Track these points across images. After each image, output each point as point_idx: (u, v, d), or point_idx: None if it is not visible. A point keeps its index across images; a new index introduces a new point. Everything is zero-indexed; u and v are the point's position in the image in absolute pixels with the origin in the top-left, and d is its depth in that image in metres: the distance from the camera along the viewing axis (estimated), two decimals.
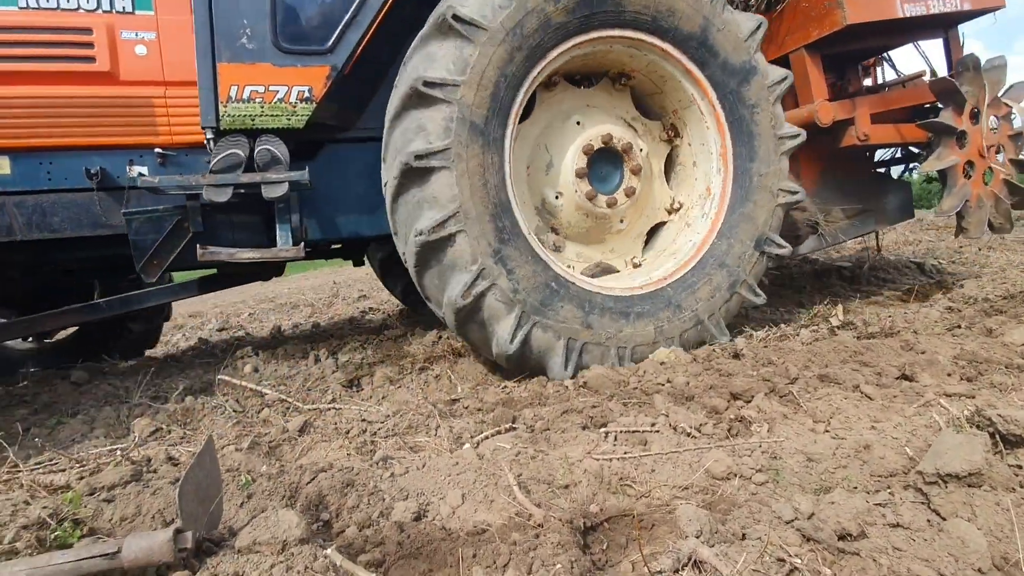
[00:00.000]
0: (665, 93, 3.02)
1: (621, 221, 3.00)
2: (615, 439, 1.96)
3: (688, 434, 1.94)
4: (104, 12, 2.75)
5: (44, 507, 1.32)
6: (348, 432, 2.16)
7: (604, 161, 2.90)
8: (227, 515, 1.48)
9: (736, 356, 2.67)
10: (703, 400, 2.18)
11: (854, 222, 3.80)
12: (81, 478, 1.80)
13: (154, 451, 2.11)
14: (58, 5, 2.75)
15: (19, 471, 1.94)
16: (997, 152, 3.56)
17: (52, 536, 1.22)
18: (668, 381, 2.45)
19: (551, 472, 1.67)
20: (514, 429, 2.18)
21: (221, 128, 2.70)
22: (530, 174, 2.92)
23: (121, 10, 2.76)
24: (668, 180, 3.20)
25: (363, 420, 2.25)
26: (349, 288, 11.50)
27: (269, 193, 2.58)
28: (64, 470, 1.96)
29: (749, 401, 2.19)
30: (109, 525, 1.48)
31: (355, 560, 1.30)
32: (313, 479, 1.67)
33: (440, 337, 3.40)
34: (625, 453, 1.80)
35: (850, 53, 3.73)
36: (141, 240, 2.73)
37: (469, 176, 2.42)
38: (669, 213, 3.15)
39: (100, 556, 1.05)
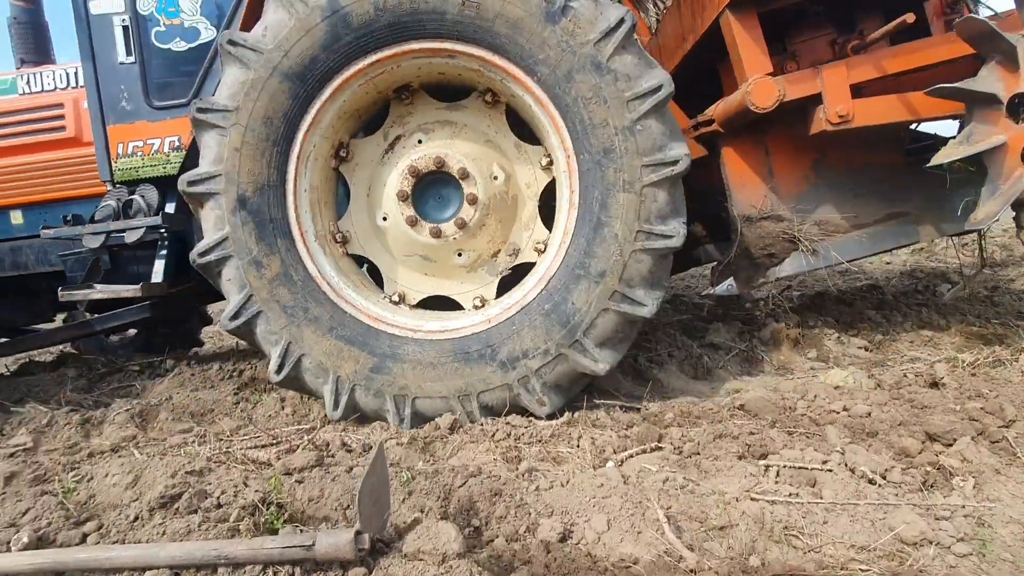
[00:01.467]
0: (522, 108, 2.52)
1: (459, 255, 2.62)
2: (777, 475, 1.79)
3: (869, 480, 1.70)
4: (72, 88, 3.41)
5: (256, 491, 1.57)
6: (494, 435, 2.24)
7: (443, 186, 2.57)
8: (391, 509, 1.63)
9: (934, 385, 2.28)
10: (889, 438, 1.90)
11: (880, 231, 2.76)
12: (278, 458, 2.11)
13: (331, 436, 2.39)
14: (42, 88, 3.46)
15: (232, 445, 2.33)
16: None
17: (262, 520, 1.45)
18: (845, 410, 2.18)
19: (703, 509, 1.58)
20: (660, 449, 2.10)
21: (115, 181, 3.12)
22: (370, 194, 2.69)
23: (82, 85, 3.23)
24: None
25: (508, 424, 2.32)
26: None
27: (128, 238, 3.01)
28: (265, 446, 2.31)
29: (950, 445, 1.86)
30: (300, 504, 1.72)
31: None
32: (464, 483, 1.77)
33: None
34: (791, 496, 1.64)
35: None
36: (72, 276, 3.38)
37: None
38: (539, 253, 2.61)
39: (299, 547, 1.23)
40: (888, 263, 6.15)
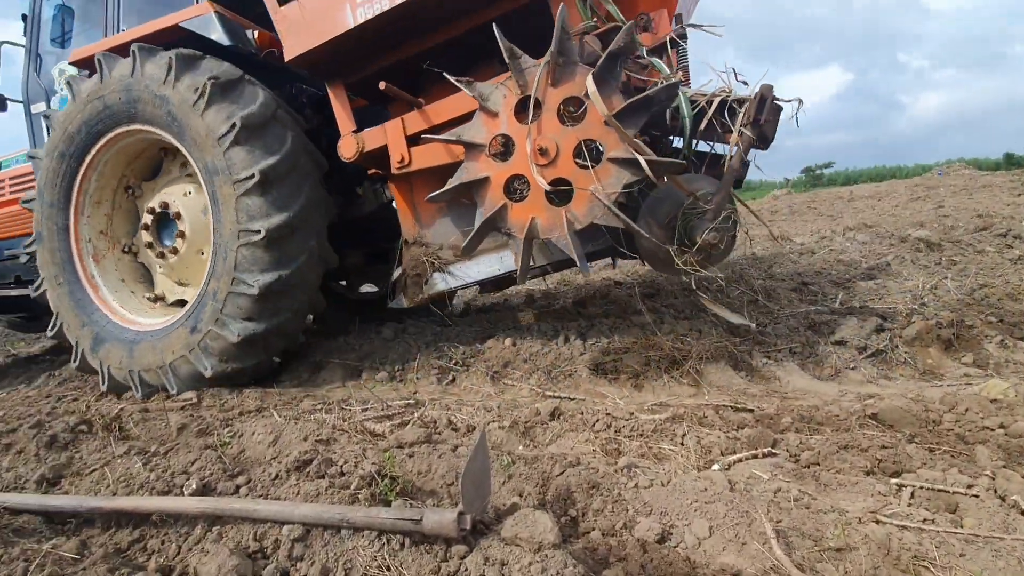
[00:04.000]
0: None
1: (172, 270, 3.70)
2: (911, 497, 1.60)
3: (1022, 511, 1.47)
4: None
5: (372, 463, 1.73)
6: (594, 425, 2.25)
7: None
8: (492, 491, 1.70)
9: None
10: None
11: (488, 257, 2.99)
12: (391, 431, 2.29)
13: (438, 414, 2.55)
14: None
15: (353, 415, 2.57)
16: (577, 155, 2.43)
17: (377, 490, 1.60)
18: (1001, 427, 1.89)
19: (819, 527, 1.47)
20: (774, 455, 1.97)
21: None
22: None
23: None
24: None
25: (608, 415, 2.31)
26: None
27: None
28: (380, 419, 2.52)
29: None
30: (410, 477, 1.86)
31: (599, 573, 1.37)
32: (563, 473, 1.80)
33: (690, 329, 3.25)
34: (925, 521, 1.46)
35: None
36: None
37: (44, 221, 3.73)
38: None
39: (408, 520, 1.34)
40: None
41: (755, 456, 1.96)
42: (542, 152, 2.47)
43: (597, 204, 2.38)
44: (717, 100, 2.48)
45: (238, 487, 1.75)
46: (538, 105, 2.47)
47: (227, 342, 3.09)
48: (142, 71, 3.24)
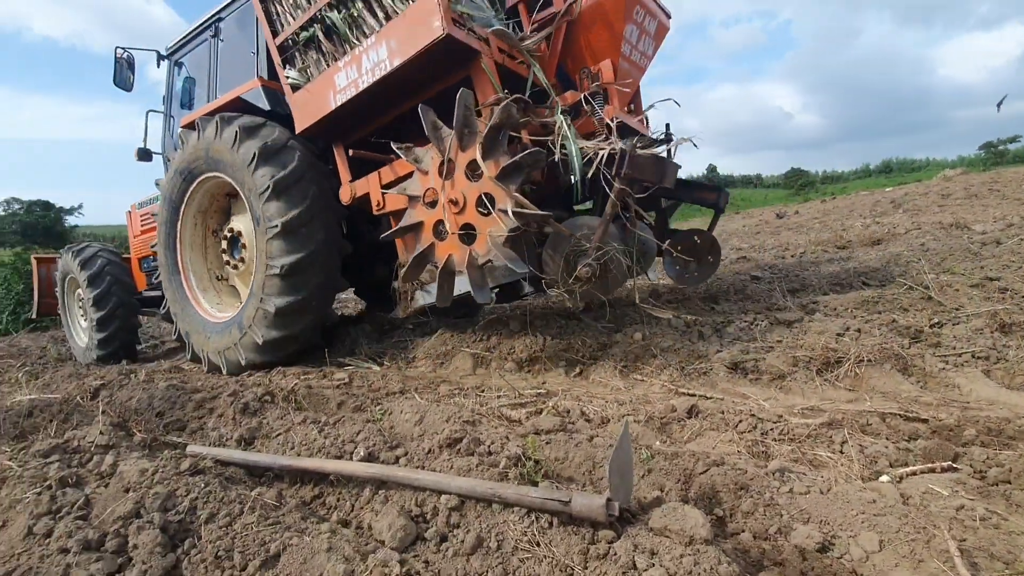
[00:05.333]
0: None
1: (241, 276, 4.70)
2: None
3: None
4: None
5: (516, 445, 1.82)
6: (737, 426, 2.15)
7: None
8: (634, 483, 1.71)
9: None
10: None
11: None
12: (527, 418, 2.38)
13: (570, 404, 2.60)
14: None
15: (489, 401, 2.71)
16: (479, 205, 2.97)
17: (523, 471, 1.68)
18: None
19: (1012, 549, 1.28)
20: (955, 471, 1.74)
21: None
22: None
23: None
24: None
25: (752, 416, 2.19)
26: (725, 244, 11.10)
27: None
28: (515, 406, 2.63)
29: None
30: (548, 463, 1.92)
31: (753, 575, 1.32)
32: (706, 471, 1.75)
33: (846, 328, 2.95)
34: None
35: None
36: None
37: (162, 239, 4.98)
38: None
39: (557, 500, 1.39)
40: None
41: (932, 470, 1.75)
42: (454, 203, 3.05)
43: (491, 244, 2.89)
44: (603, 153, 2.83)
45: (397, 457, 1.94)
46: (452, 166, 3.06)
47: (255, 342, 4.07)
48: (220, 135, 4.23)
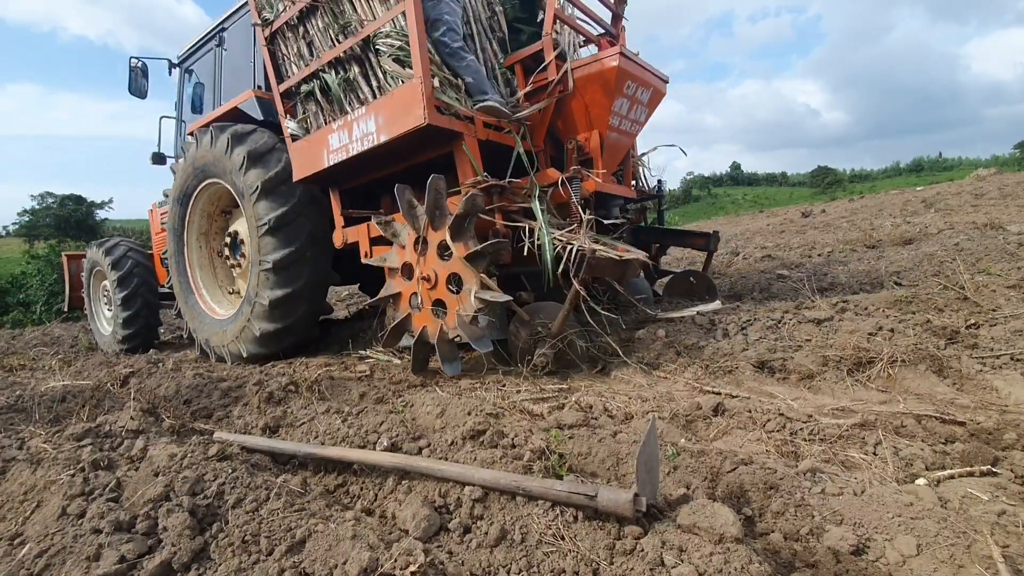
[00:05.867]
0: None
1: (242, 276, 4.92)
2: None
3: None
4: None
5: (540, 439, 1.80)
6: (765, 424, 2.10)
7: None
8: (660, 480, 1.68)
9: None
10: None
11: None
12: (550, 412, 2.36)
13: (593, 400, 2.57)
14: None
15: (509, 394, 2.69)
16: (449, 283, 3.15)
17: (547, 464, 1.66)
18: None
19: None
20: (994, 475, 1.68)
21: None
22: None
23: None
24: None
25: (781, 415, 2.14)
26: (749, 243, 10.92)
27: None
28: (537, 400, 2.61)
29: None
30: (572, 458, 1.91)
31: None
32: (734, 469, 1.71)
33: (878, 327, 2.87)
34: None
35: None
36: None
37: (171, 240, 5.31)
38: None
39: (583, 495, 1.37)
40: None
41: (970, 474, 1.68)
42: (426, 279, 3.22)
43: (458, 323, 3.04)
44: (571, 248, 2.97)
45: (420, 448, 1.94)
46: (425, 243, 3.22)
47: (254, 335, 4.29)
48: (215, 143, 4.49)
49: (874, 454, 1.84)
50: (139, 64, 6.07)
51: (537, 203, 3.19)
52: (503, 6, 4.26)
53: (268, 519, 1.50)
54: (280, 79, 4.09)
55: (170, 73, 6.34)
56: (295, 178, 4.07)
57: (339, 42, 3.64)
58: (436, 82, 3.25)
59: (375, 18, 3.46)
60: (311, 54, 3.86)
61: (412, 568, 1.24)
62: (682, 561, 1.22)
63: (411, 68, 3.22)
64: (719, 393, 2.56)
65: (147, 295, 6.35)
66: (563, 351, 3.14)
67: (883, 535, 1.40)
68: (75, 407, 3.00)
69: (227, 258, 5.03)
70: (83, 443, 2.17)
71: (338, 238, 4.14)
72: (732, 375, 2.83)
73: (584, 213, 3.24)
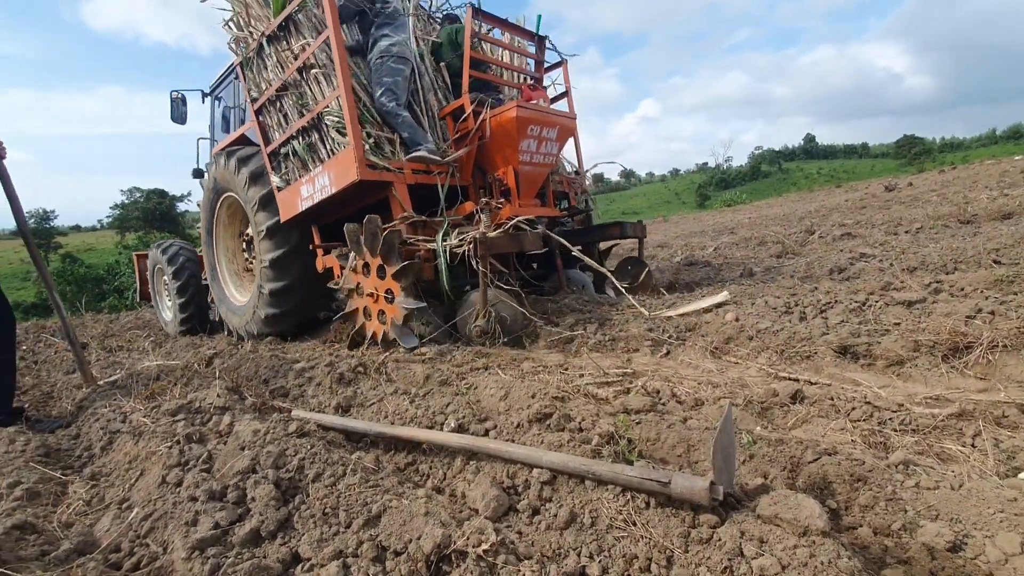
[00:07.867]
0: None
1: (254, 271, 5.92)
2: None
3: None
4: None
5: (608, 423, 1.78)
6: (849, 413, 1.97)
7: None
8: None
9: None
10: None
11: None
12: (616, 397, 2.33)
13: (660, 384, 2.51)
14: None
15: (572, 378, 2.67)
16: (387, 295, 3.96)
17: (616, 449, 1.64)
18: None
19: None
20: None
21: None
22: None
23: None
24: None
25: (867, 403, 2.01)
26: (826, 220, 10.26)
27: None
28: (602, 385, 2.58)
29: None
30: (639, 443, 1.87)
31: (876, 573, 1.21)
32: (816, 460, 1.62)
33: (976, 310, 2.63)
34: None
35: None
36: None
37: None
38: None
39: (656, 480, 1.34)
40: None
41: None
42: (371, 294, 4.06)
43: (392, 326, 3.87)
44: (467, 240, 3.87)
45: (487, 430, 1.96)
46: (367, 267, 4.05)
47: (261, 317, 5.31)
48: (227, 165, 5.52)
49: (972, 446, 1.69)
50: (179, 96, 6.87)
51: (440, 236, 4.05)
52: (446, 62, 5.35)
53: (345, 494, 1.56)
54: (267, 142, 5.06)
55: (203, 101, 7.20)
56: (282, 220, 5.00)
57: (302, 115, 4.64)
58: (372, 142, 4.31)
59: (324, 98, 4.45)
60: (286, 123, 4.90)
61: (484, 546, 1.26)
62: (763, 553, 1.17)
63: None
64: (797, 380, 2.43)
65: (196, 285, 7.32)
66: (495, 324, 3.84)
67: (983, 531, 1.29)
68: (168, 385, 3.25)
69: (244, 255, 6.23)
70: (177, 418, 2.35)
71: (320, 264, 5.02)
72: (811, 360, 2.68)
73: (483, 216, 4.14)
